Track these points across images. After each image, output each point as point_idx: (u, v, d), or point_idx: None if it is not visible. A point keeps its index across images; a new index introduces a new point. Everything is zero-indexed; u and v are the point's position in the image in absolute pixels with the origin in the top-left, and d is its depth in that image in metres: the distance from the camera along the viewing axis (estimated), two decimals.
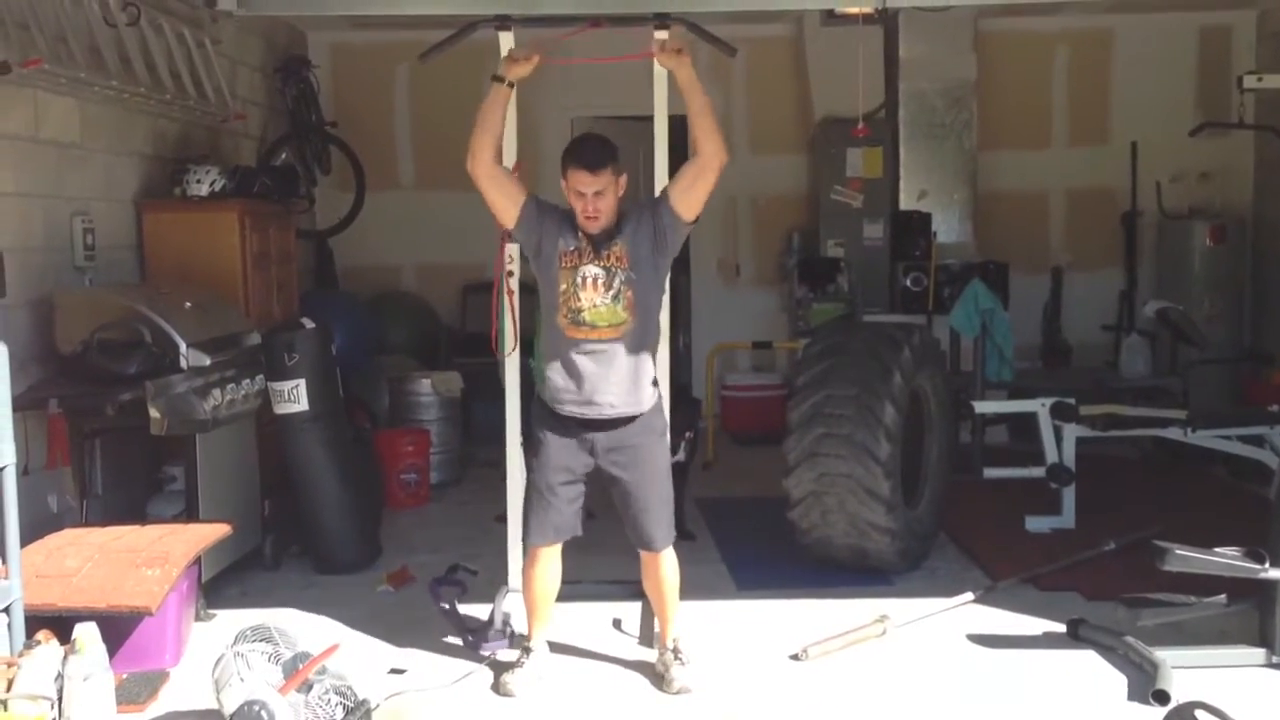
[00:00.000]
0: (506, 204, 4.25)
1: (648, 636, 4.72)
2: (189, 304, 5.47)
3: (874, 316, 8.19)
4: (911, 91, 8.87)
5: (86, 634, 3.72)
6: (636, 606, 4.84)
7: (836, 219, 8.89)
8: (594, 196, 4.11)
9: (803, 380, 5.65)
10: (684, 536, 5.05)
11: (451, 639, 4.81)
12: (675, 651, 4.40)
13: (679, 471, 5.22)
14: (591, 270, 4.15)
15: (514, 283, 4.74)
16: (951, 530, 6.13)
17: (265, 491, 5.88)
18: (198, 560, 4.80)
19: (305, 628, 4.67)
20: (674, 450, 4.54)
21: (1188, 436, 6.29)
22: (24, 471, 4.50)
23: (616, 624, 4.95)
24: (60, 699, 3.61)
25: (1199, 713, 3.72)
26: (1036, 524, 6.24)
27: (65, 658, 3.67)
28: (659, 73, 4.63)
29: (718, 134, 4.19)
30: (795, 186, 9.52)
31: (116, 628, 4.21)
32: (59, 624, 3.96)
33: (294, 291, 7.09)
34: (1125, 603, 4.76)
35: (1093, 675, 4.40)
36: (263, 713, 3.53)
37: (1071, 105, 9.40)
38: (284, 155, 8.14)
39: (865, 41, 7.81)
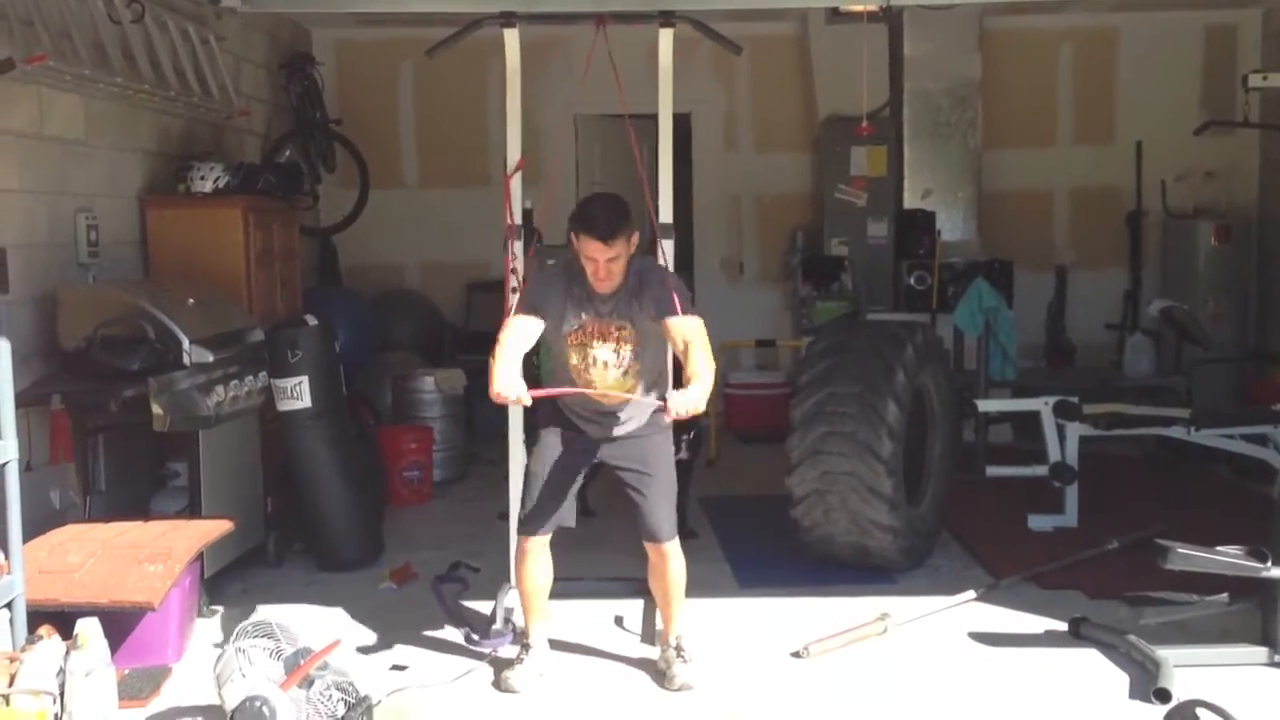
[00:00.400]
0: (539, 332, 4.21)
1: (649, 633, 4.72)
2: (192, 300, 5.47)
3: (878, 315, 8.18)
4: (916, 90, 8.87)
5: (89, 629, 3.72)
6: (638, 604, 4.85)
7: (841, 217, 8.89)
8: (606, 263, 4.11)
9: (806, 378, 5.65)
10: (687, 535, 5.05)
11: (453, 636, 4.82)
12: (677, 649, 4.40)
13: (683, 470, 5.22)
14: (601, 354, 4.20)
15: (517, 280, 4.74)
16: (954, 528, 6.12)
17: (268, 488, 5.88)
18: (200, 556, 4.81)
19: (307, 624, 4.68)
20: (675, 450, 4.55)
21: (1191, 435, 6.28)
22: (27, 467, 4.52)
23: (618, 621, 4.96)
24: (62, 694, 3.61)
25: (1200, 711, 3.73)
26: (1039, 522, 6.24)
27: (67, 653, 3.68)
28: (664, 71, 4.63)
29: (710, 374, 3.99)
30: (799, 185, 9.51)
31: (119, 623, 4.23)
32: (61, 619, 3.96)
33: (297, 289, 7.09)
34: (1127, 601, 4.76)
35: (1094, 674, 4.39)
36: (264, 708, 3.53)
37: (1076, 104, 9.39)
38: (288, 152, 8.15)
39: (870, 40, 7.82)
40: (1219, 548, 4.27)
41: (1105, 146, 9.30)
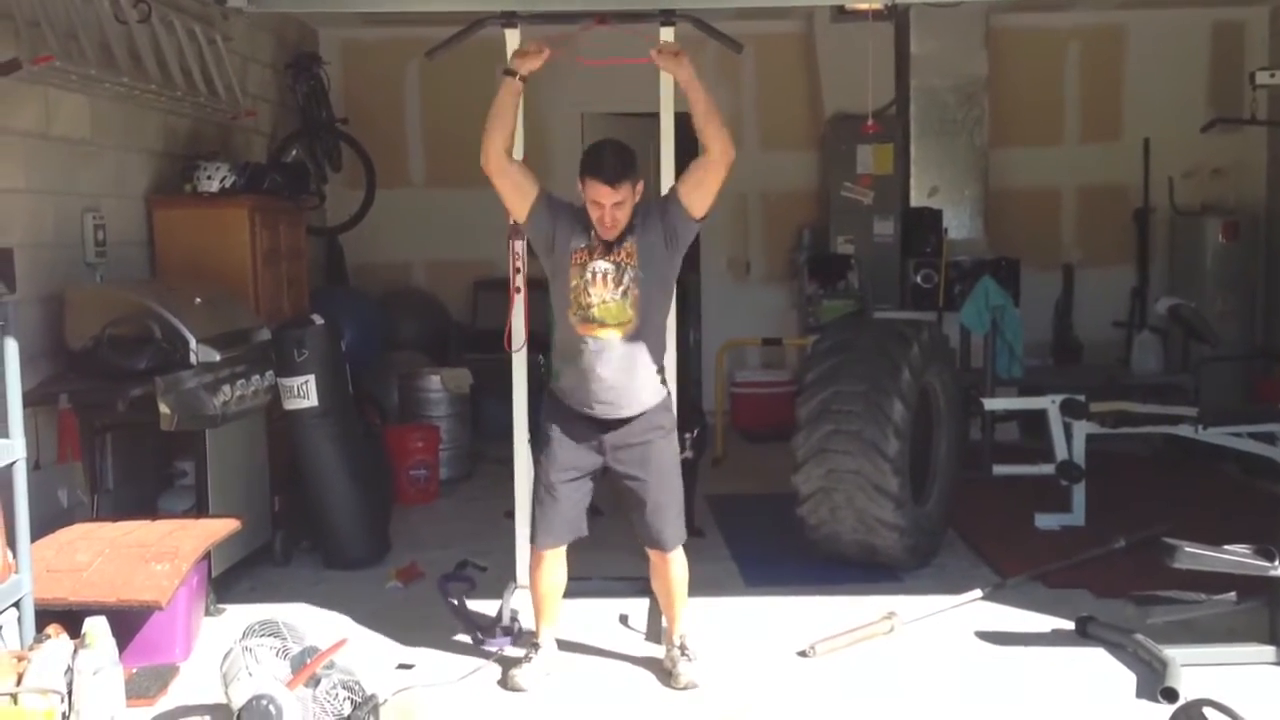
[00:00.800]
0: (518, 197, 4.27)
1: (655, 633, 4.72)
2: (199, 300, 5.48)
3: (884, 313, 8.18)
4: (922, 88, 8.86)
5: (96, 628, 3.73)
6: (644, 603, 4.85)
7: (847, 215, 8.88)
8: (612, 208, 4.11)
9: (812, 376, 5.65)
10: (693, 533, 5.05)
11: (460, 635, 4.82)
12: (683, 647, 4.40)
13: (688, 469, 5.22)
14: (601, 265, 4.16)
15: (522, 280, 4.74)
16: (960, 527, 6.11)
17: (275, 487, 5.89)
18: (207, 555, 4.81)
19: (314, 623, 4.71)
20: (680, 449, 4.54)
21: (1198, 434, 6.27)
22: (34, 466, 4.53)
23: (623, 620, 4.96)
24: (70, 693, 3.61)
25: (1207, 710, 3.71)
26: (1046, 521, 6.23)
27: (75, 652, 3.68)
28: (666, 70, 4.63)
29: (723, 132, 4.18)
30: (805, 183, 9.51)
31: (126, 622, 4.24)
32: (69, 618, 3.97)
33: (304, 288, 7.10)
34: (1134, 600, 4.74)
35: (1101, 673, 4.39)
36: (270, 707, 3.54)
37: (1083, 101, 9.38)
38: (294, 152, 8.16)
39: (876, 37, 7.80)
40: (1227, 546, 4.27)
41: (1112, 144, 9.29)
